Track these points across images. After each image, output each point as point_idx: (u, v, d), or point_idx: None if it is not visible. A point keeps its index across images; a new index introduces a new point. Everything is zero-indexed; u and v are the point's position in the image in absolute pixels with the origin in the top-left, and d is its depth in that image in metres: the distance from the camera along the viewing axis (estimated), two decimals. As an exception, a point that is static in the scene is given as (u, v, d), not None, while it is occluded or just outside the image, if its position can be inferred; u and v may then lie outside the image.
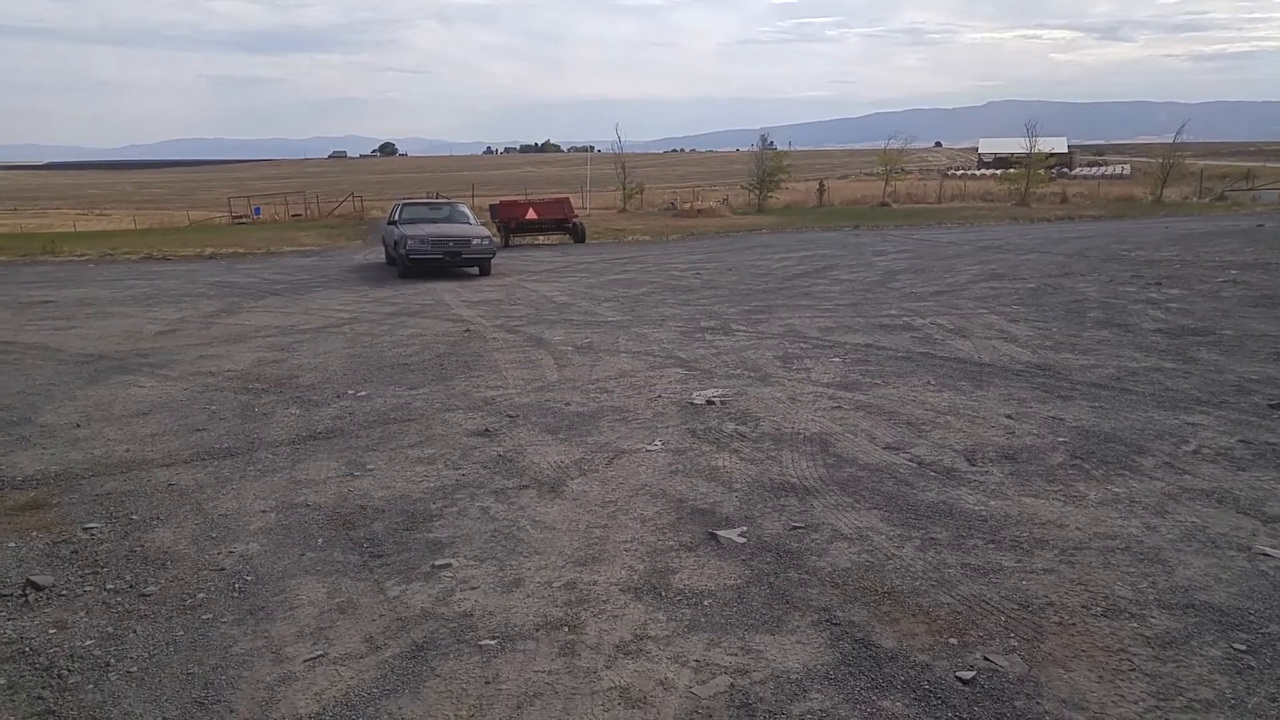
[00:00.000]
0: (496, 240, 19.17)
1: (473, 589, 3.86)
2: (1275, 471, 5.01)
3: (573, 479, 5.21)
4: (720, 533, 4.34)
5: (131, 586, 3.96)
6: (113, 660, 3.36)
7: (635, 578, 3.93)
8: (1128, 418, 6.10)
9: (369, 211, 43.68)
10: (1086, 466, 5.17)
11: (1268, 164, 71.40)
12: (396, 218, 17.77)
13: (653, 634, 3.44)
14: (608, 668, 3.22)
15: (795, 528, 4.40)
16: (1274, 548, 4.03)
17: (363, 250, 23.29)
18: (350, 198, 48.01)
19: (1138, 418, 6.09)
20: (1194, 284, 12.43)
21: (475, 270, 16.76)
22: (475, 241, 16.45)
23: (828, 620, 3.51)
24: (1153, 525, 4.32)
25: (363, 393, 7.44)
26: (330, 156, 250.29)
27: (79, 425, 6.61)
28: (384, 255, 19.27)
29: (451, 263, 16.29)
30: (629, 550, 4.21)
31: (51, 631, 3.58)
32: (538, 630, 3.50)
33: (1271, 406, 6.25)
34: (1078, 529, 4.31)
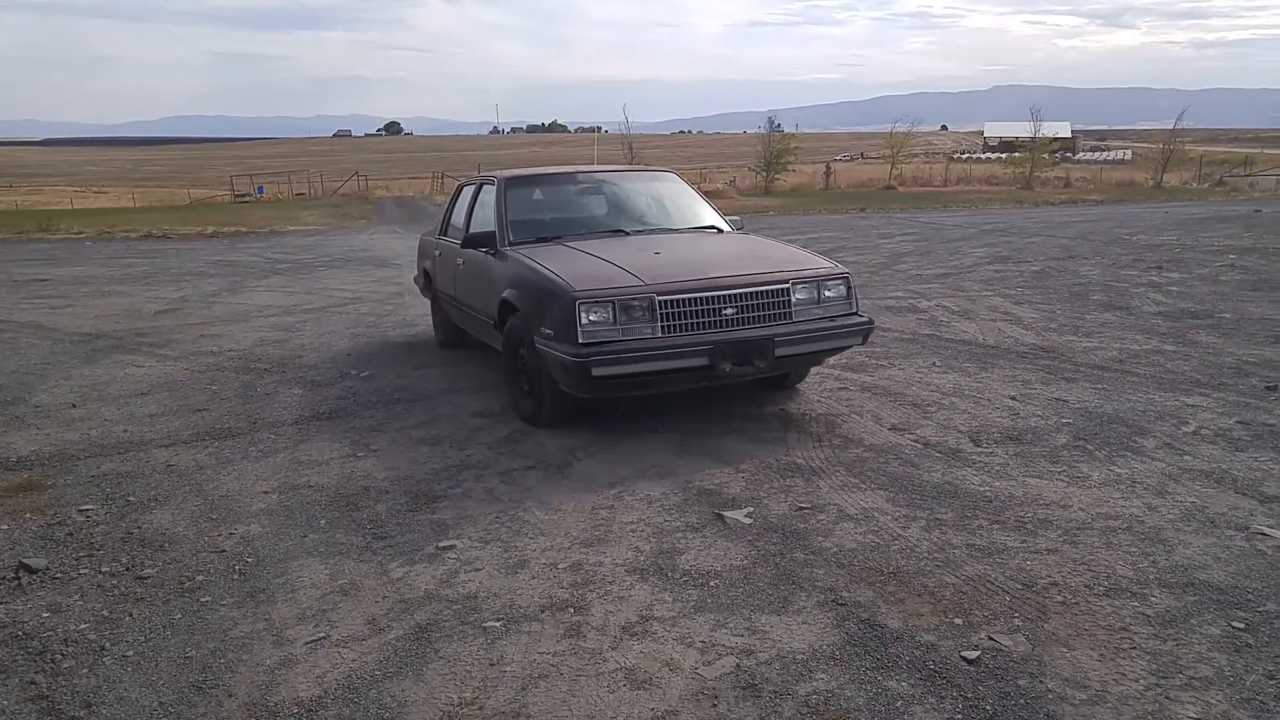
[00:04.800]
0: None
1: (477, 570, 3.85)
2: (1272, 452, 4.99)
3: (579, 460, 5.20)
4: (726, 513, 4.33)
5: (128, 569, 3.92)
6: (108, 644, 3.32)
7: (641, 558, 3.91)
8: (1129, 399, 6.08)
9: (373, 191, 43.58)
10: (1089, 447, 5.15)
11: (1266, 150, 71.21)
12: (498, 222, 6.30)
13: (659, 615, 3.43)
14: (613, 649, 3.21)
15: (801, 508, 4.38)
16: (1271, 527, 4.02)
17: (368, 229, 23.27)
18: (355, 177, 47.90)
19: (1139, 399, 6.08)
20: (1193, 268, 12.38)
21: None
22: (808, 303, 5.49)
23: (834, 601, 3.49)
24: (1153, 505, 4.31)
25: (366, 373, 7.42)
26: (335, 135, 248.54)
27: (75, 405, 6.58)
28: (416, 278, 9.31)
29: (738, 375, 5.25)
30: (635, 531, 4.20)
31: (45, 615, 3.54)
32: (543, 611, 3.49)
33: (1269, 388, 6.23)
34: (1081, 509, 4.30)
